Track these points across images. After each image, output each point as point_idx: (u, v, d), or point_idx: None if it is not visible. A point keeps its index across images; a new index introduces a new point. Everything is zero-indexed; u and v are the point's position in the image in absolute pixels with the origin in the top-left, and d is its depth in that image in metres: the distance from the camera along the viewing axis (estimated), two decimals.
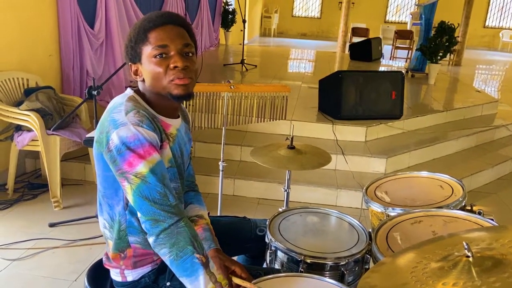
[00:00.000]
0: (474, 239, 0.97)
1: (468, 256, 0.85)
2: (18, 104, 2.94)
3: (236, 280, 1.17)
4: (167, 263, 1.14)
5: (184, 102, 1.38)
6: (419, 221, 1.41)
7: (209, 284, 1.10)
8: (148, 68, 1.19)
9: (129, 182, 1.12)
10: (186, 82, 1.19)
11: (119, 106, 1.18)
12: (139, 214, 1.15)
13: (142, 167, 1.11)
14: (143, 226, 1.15)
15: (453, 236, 1.02)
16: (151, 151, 1.13)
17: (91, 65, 3.97)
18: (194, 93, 1.28)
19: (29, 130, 2.89)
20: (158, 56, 1.18)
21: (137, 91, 1.26)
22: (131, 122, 1.13)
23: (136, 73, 1.25)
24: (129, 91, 1.26)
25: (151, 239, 1.14)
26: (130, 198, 1.14)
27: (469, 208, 1.51)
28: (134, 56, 1.22)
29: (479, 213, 1.43)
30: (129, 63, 1.25)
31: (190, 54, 1.22)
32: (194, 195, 1.49)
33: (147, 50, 1.19)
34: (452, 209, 1.47)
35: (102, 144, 1.16)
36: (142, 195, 1.12)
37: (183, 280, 1.12)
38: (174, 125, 1.29)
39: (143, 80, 1.23)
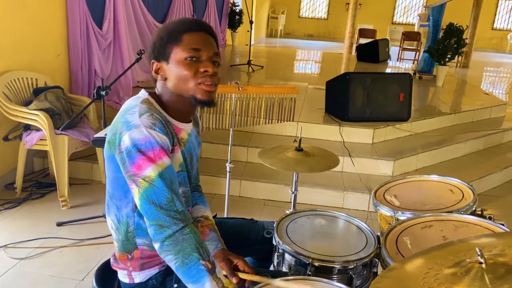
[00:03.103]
0: (486, 245, 0.96)
1: (481, 263, 0.83)
2: (27, 103, 2.96)
3: (242, 276, 1.19)
4: (173, 269, 1.14)
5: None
6: (429, 226, 1.39)
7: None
8: (176, 69, 1.20)
9: (137, 185, 1.12)
10: (211, 89, 1.22)
11: (133, 108, 1.18)
12: (145, 218, 1.15)
13: (151, 171, 1.11)
14: (148, 230, 1.15)
15: (464, 242, 1.01)
16: (161, 155, 1.12)
17: (99, 65, 3.98)
18: (217, 101, 1.30)
19: (38, 129, 2.91)
20: (189, 59, 1.19)
21: (152, 94, 1.26)
22: (144, 124, 1.13)
23: (157, 71, 1.25)
24: (143, 94, 1.26)
25: (156, 245, 1.14)
26: (137, 202, 1.14)
27: (480, 212, 1.49)
28: (162, 55, 1.22)
29: (490, 218, 1.41)
30: (152, 61, 1.25)
31: (217, 64, 1.24)
32: (199, 196, 1.50)
33: (179, 51, 1.20)
34: (462, 213, 1.46)
35: (114, 145, 1.16)
36: (149, 199, 1.11)
37: (190, 286, 1.12)
38: (185, 129, 1.30)
39: (165, 79, 1.23)
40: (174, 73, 1.21)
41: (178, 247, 1.11)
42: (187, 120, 1.31)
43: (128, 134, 1.12)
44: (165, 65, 1.22)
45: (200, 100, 1.21)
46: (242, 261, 1.25)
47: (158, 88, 1.27)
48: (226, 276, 1.20)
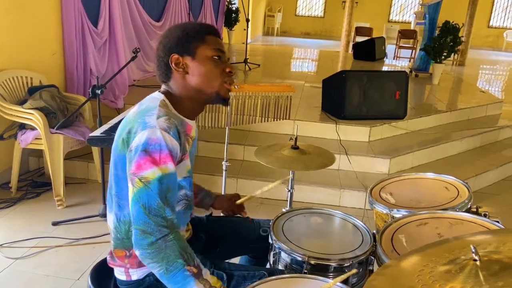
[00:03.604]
0: (480, 242, 0.96)
1: (475, 260, 0.84)
2: (22, 102, 2.94)
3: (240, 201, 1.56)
4: (157, 276, 1.12)
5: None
6: (424, 223, 1.39)
7: None
8: (203, 65, 1.25)
9: (133, 184, 1.12)
10: (231, 88, 1.31)
11: (152, 109, 1.19)
12: (132, 220, 1.13)
13: (150, 173, 1.10)
14: (132, 233, 1.13)
15: (459, 239, 1.01)
16: (167, 159, 1.12)
17: (95, 64, 3.97)
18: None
19: (33, 128, 2.90)
20: (216, 57, 1.26)
21: (166, 93, 1.28)
22: (159, 126, 1.14)
23: (177, 65, 1.26)
24: (158, 95, 1.27)
25: (137, 252, 1.11)
26: (130, 202, 1.13)
27: (475, 210, 1.49)
28: (187, 49, 1.25)
29: (485, 215, 1.42)
30: (173, 54, 1.25)
31: None
32: None
33: (205, 49, 1.25)
34: (458, 211, 1.46)
35: (128, 143, 1.16)
36: (140, 201, 1.10)
37: None
38: (194, 127, 1.33)
39: (185, 74, 1.25)
40: (200, 69, 1.25)
41: (162, 254, 1.09)
42: (195, 117, 1.34)
43: (142, 133, 1.13)
44: (189, 61, 1.25)
45: (223, 97, 1.29)
46: (235, 195, 1.64)
47: (173, 84, 1.28)
48: (213, 274, 1.22)
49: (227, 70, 1.27)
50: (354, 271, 1.23)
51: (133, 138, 1.15)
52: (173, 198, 1.15)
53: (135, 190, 1.11)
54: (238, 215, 1.68)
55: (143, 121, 1.16)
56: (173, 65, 1.26)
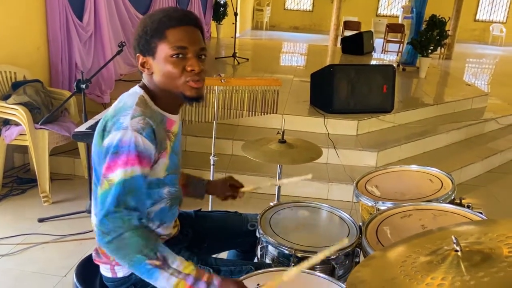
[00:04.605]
0: (463, 233, 0.97)
1: (456, 251, 0.85)
2: (5, 97, 2.89)
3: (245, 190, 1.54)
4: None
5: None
6: (408, 215, 1.41)
7: (172, 280, 1.08)
8: (162, 66, 1.18)
9: (101, 185, 1.12)
10: (199, 85, 1.21)
11: (128, 109, 1.17)
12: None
13: (115, 175, 1.09)
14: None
15: (442, 230, 1.02)
16: (134, 162, 1.10)
17: (80, 58, 3.91)
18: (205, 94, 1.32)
19: (17, 124, 2.85)
20: (175, 56, 1.17)
21: (145, 88, 1.25)
22: (132, 127, 1.12)
23: (143, 65, 1.23)
24: (138, 90, 1.24)
25: (103, 248, 1.13)
26: (97, 199, 1.13)
27: (458, 201, 1.52)
28: (147, 49, 1.20)
29: (468, 207, 1.44)
30: (138, 54, 1.23)
31: (204, 57, 1.23)
32: None
33: (164, 48, 1.17)
34: (441, 202, 1.48)
35: (101, 140, 1.16)
36: (103, 202, 1.10)
37: (147, 280, 1.11)
38: (176, 121, 1.30)
39: (151, 74, 1.22)
40: (160, 69, 1.19)
41: (121, 251, 1.09)
42: (177, 111, 1.31)
43: (115, 134, 1.12)
44: (151, 60, 1.21)
45: (189, 97, 1.21)
46: (230, 178, 1.58)
47: (146, 81, 1.26)
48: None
49: (189, 69, 1.18)
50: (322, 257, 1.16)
51: (106, 136, 1.14)
52: (136, 200, 1.11)
53: (101, 191, 1.11)
54: (230, 197, 1.59)
55: (118, 120, 1.15)
56: (139, 65, 1.23)
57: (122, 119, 1.14)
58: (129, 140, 1.10)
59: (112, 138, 1.12)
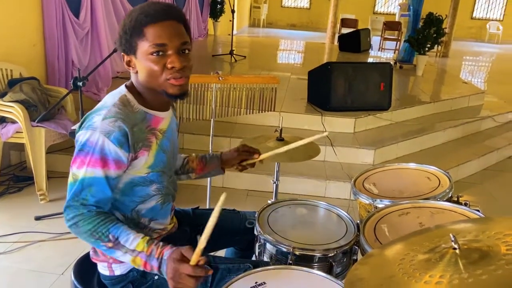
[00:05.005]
0: (460, 230, 0.98)
1: (455, 248, 0.85)
2: (1, 95, 2.87)
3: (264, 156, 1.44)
4: None
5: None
6: (406, 213, 1.42)
7: (127, 256, 1.13)
8: (143, 64, 1.17)
9: (69, 176, 1.17)
10: (182, 82, 1.19)
11: (104, 108, 1.17)
12: None
13: (78, 172, 1.15)
14: None
15: (440, 228, 1.03)
16: (96, 164, 1.13)
17: (77, 55, 3.89)
18: (189, 91, 1.28)
19: (13, 122, 2.83)
20: (154, 54, 1.15)
21: (131, 86, 1.24)
22: (101, 129, 1.13)
23: (129, 64, 1.22)
24: (122, 89, 1.24)
25: None
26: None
27: (456, 199, 1.52)
28: (129, 48, 1.19)
29: (466, 204, 1.44)
30: (122, 53, 1.22)
31: (187, 51, 1.20)
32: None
33: (144, 46, 1.15)
34: (439, 200, 1.48)
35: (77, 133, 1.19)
36: (68, 192, 1.16)
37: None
38: (166, 118, 1.29)
39: (136, 72, 1.22)
40: (142, 67, 1.18)
41: (80, 236, 1.17)
42: (167, 108, 1.30)
43: (85, 132, 1.15)
44: (134, 59, 1.20)
45: (172, 94, 1.19)
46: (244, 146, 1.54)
47: (133, 79, 1.25)
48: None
49: (169, 66, 1.15)
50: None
51: (80, 130, 1.18)
52: (96, 198, 1.15)
53: (69, 181, 1.17)
54: (249, 166, 1.54)
55: (92, 118, 1.16)
56: (125, 64, 1.23)
57: (96, 118, 1.15)
58: (95, 142, 1.12)
59: (81, 135, 1.15)
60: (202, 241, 1.04)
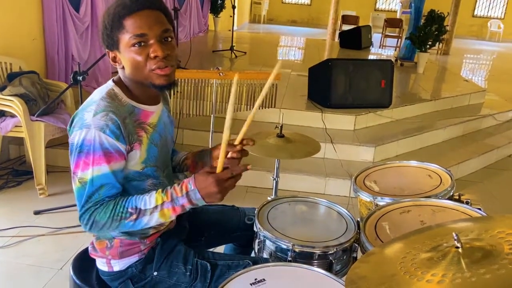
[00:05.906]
0: (462, 229, 0.97)
1: (457, 247, 0.84)
2: (1, 89, 2.86)
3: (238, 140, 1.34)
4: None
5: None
6: (407, 211, 1.41)
7: (155, 216, 1.13)
8: (127, 56, 1.16)
9: (74, 182, 1.15)
10: (167, 71, 1.17)
11: (92, 104, 1.15)
12: None
13: (85, 174, 1.12)
14: None
15: (442, 226, 1.02)
16: (101, 161, 1.11)
17: (77, 50, 3.87)
18: (177, 80, 1.26)
19: (13, 116, 2.82)
20: (136, 45, 1.13)
21: (119, 81, 1.23)
22: (95, 125, 1.11)
23: (114, 60, 1.20)
24: (109, 83, 1.22)
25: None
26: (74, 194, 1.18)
27: (457, 197, 1.51)
28: (111, 44, 1.17)
29: (467, 203, 1.43)
30: (106, 50, 1.21)
31: (169, 39, 1.18)
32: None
33: (125, 39, 1.14)
34: (440, 198, 1.48)
35: (70, 134, 1.17)
36: (78, 199, 1.15)
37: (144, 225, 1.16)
38: (156, 112, 1.27)
39: (123, 67, 1.20)
40: (126, 61, 1.17)
41: (105, 230, 1.15)
42: (156, 102, 1.28)
43: (79, 132, 1.12)
44: (117, 54, 1.18)
45: (159, 85, 1.17)
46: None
47: (121, 75, 1.24)
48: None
49: (152, 55, 1.13)
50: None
51: (72, 132, 1.15)
52: (108, 190, 1.15)
53: (75, 187, 1.15)
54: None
55: (82, 116, 1.14)
56: (111, 61, 1.21)
57: (86, 115, 1.13)
58: (93, 139, 1.10)
59: (76, 136, 1.12)
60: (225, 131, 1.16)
